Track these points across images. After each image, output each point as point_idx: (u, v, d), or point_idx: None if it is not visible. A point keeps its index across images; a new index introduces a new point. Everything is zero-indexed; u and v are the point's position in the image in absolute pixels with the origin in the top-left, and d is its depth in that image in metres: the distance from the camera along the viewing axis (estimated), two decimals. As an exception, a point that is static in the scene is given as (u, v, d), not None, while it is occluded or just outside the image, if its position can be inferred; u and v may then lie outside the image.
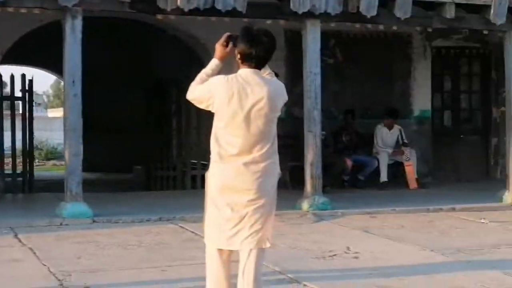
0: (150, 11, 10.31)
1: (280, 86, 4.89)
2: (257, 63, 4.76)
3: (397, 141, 13.73)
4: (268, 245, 4.78)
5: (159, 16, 10.52)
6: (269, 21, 10.19)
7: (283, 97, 4.88)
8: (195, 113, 14.28)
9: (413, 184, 13.37)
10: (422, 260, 7.44)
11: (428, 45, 14.44)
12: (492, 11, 10.99)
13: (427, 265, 7.16)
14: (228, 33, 4.90)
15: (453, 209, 10.84)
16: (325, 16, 10.44)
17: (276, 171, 4.85)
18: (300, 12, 10.23)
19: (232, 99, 4.67)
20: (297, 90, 11.88)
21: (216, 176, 4.77)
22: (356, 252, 7.70)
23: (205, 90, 4.78)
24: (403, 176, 13.57)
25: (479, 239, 8.66)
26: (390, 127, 13.70)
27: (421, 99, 14.45)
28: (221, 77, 4.77)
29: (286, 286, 6.33)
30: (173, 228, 9.22)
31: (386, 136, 13.70)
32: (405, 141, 13.67)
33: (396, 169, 13.76)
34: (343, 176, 13.30)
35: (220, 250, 4.81)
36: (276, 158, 4.84)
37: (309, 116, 10.55)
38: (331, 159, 12.60)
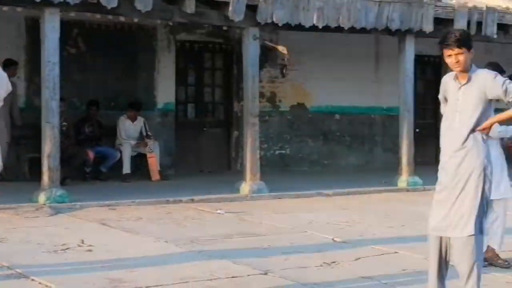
0: None
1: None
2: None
3: (141, 133, 13.80)
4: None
5: None
6: (5, 8, 9.82)
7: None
8: None
9: (155, 176, 13.49)
10: (156, 251, 7.52)
11: (173, 39, 14.59)
12: (230, 8, 11.31)
13: (160, 256, 7.26)
14: None
15: (192, 201, 11.06)
16: (64, 5, 10.17)
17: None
18: (37, -1, 9.93)
19: None
20: (37, 79, 11.57)
21: None
22: (90, 245, 7.64)
23: None
24: (146, 168, 13.65)
25: (213, 229, 8.90)
26: (133, 119, 13.73)
27: (165, 92, 14.58)
28: None
29: (13, 281, 6.15)
30: None
31: (129, 128, 13.71)
32: (149, 133, 13.76)
33: (139, 161, 13.83)
34: (85, 168, 13.12)
35: None
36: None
37: (47, 106, 10.29)
38: (72, 151, 12.42)
